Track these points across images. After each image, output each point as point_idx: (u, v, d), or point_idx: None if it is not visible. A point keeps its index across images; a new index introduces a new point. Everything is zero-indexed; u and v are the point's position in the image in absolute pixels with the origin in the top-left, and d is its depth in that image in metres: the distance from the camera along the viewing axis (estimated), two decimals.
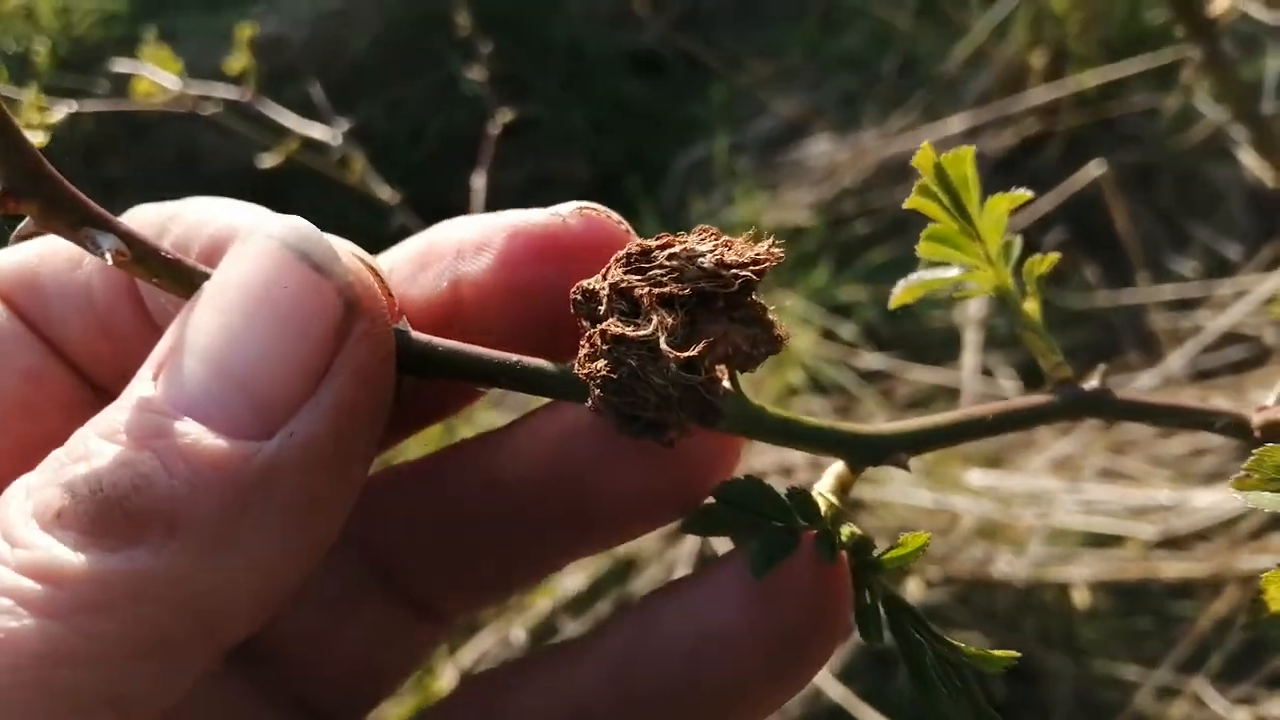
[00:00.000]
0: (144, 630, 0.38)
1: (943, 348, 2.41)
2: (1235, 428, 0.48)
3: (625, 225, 0.53)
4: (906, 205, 0.56)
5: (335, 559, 0.53)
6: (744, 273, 0.48)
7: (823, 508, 0.53)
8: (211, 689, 0.55)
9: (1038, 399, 0.57)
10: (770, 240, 0.49)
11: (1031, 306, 0.58)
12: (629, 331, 0.47)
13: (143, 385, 0.41)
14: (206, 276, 0.44)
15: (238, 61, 1.45)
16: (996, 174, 2.56)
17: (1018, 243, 0.58)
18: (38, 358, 0.52)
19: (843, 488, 0.56)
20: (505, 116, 1.25)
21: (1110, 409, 0.54)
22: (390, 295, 0.49)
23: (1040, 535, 2.01)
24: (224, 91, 1.55)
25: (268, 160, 1.23)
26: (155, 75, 1.42)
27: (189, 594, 0.39)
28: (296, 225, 0.44)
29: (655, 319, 0.46)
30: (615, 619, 0.53)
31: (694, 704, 0.50)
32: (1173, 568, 1.95)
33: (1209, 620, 1.90)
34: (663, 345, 0.46)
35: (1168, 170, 2.61)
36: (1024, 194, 0.55)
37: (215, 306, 0.42)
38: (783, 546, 0.50)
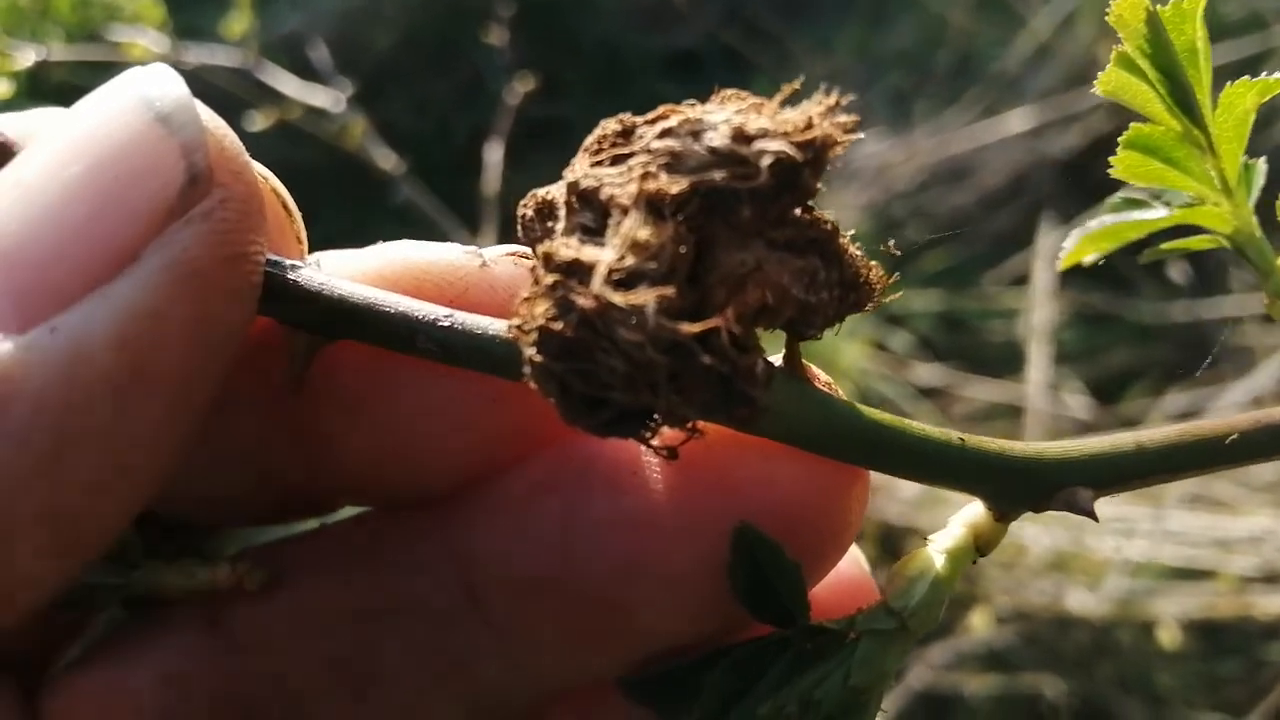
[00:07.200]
0: None
1: (1004, 361, 2.23)
2: None
3: None
4: (1098, 88, 0.38)
5: None
6: (779, 147, 0.28)
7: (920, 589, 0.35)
8: None
9: None
10: (833, 103, 0.30)
11: None
12: (585, 254, 0.28)
13: None
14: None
15: (237, 22, 1.29)
16: (1063, 176, 2.38)
17: (1260, 166, 0.40)
18: None
19: (980, 544, 0.36)
20: (525, 83, 1.10)
21: None
22: (295, 223, 0.37)
23: (1118, 568, 1.82)
24: (223, 56, 1.41)
25: (258, 122, 1.08)
26: (145, 38, 1.29)
27: None
28: (153, 69, 0.33)
29: (624, 232, 0.28)
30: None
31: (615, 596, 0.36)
32: (1269, 605, 1.76)
33: None
34: (621, 265, 0.27)
35: None
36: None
37: (22, 159, 0.31)
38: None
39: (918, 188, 2.46)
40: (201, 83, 1.68)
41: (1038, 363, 2.14)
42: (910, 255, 2.38)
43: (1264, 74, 0.39)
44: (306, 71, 2.14)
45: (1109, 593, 1.81)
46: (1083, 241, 0.41)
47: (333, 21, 3.31)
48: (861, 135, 0.31)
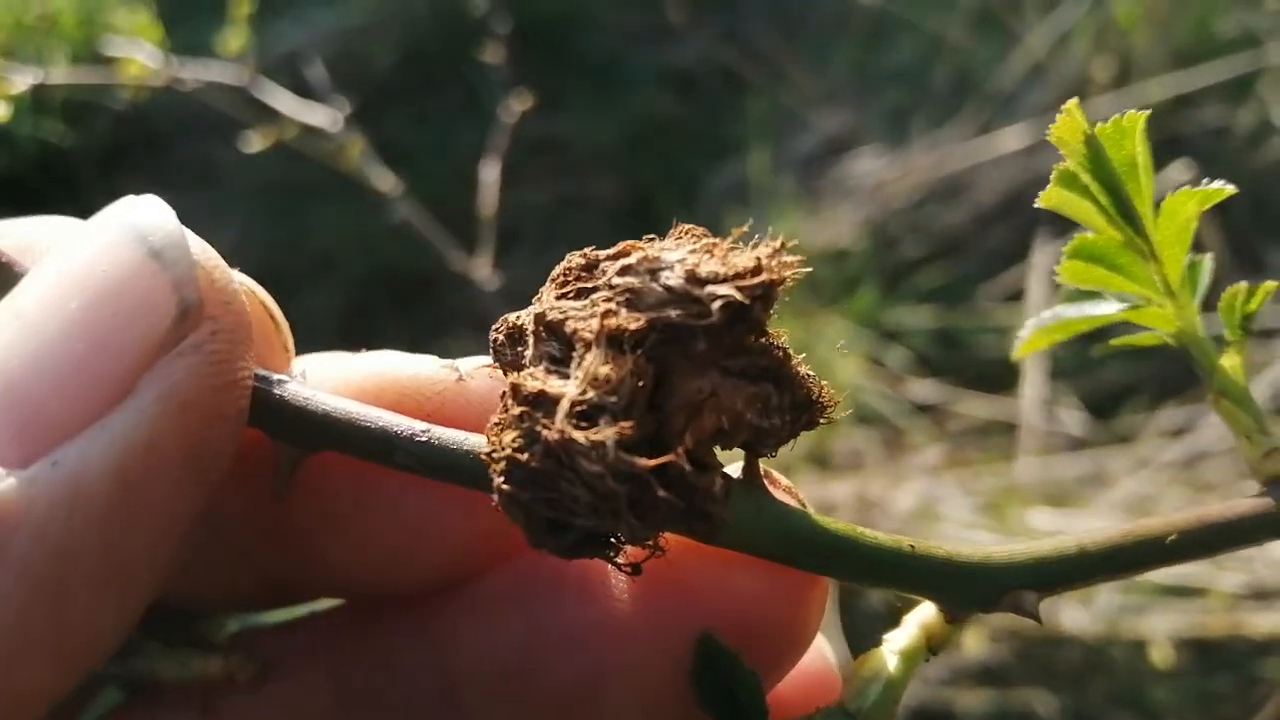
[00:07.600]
0: None
1: (999, 377, 2.25)
2: None
3: None
4: (1041, 203, 0.40)
5: None
6: (728, 293, 0.31)
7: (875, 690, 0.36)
8: None
9: (1245, 506, 0.37)
10: (779, 245, 0.32)
11: (1232, 363, 0.40)
12: (550, 386, 0.30)
13: None
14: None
15: (234, 38, 1.30)
16: None
17: (1206, 263, 0.42)
18: None
19: (932, 644, 0.38)
20: (522, 101, 1.12)
21: None
22: (282, 333, 0.39)
23: (1110, 585, 1.84)
24: (219, 73, 1.42)
25: (255, 143, 1.10)
26: (142, 53, 1.30)
27: None
28: (147, 202, 0.34)
29: (586, 367, 0.30)
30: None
31: (588, 702, 0.38)
32: (1260, 622, 1.78)
33: None
34: (582, 399, 0.30)
35: (1240, 191, 2.43)
36: (1222, 189, 0.39)
37: (21, 291, 0.33)
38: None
39: (914, 204, 2.48)
40: (197, 103, 1.70)
41: (1033, 379, 2.16)
42: (906, 271, 2.40)
43: (1250, 104, 0.40)
44: (306, 91, 2.16)
45: (1101, 610, 1.83)
46: (1036, 334, 0.43)
47: (333, 41, 3.34)
48: (797, 261, 0.33)
